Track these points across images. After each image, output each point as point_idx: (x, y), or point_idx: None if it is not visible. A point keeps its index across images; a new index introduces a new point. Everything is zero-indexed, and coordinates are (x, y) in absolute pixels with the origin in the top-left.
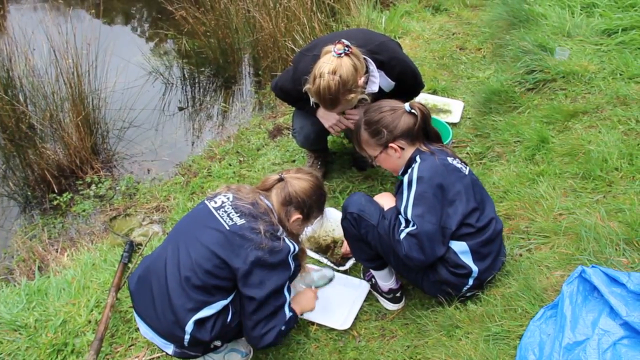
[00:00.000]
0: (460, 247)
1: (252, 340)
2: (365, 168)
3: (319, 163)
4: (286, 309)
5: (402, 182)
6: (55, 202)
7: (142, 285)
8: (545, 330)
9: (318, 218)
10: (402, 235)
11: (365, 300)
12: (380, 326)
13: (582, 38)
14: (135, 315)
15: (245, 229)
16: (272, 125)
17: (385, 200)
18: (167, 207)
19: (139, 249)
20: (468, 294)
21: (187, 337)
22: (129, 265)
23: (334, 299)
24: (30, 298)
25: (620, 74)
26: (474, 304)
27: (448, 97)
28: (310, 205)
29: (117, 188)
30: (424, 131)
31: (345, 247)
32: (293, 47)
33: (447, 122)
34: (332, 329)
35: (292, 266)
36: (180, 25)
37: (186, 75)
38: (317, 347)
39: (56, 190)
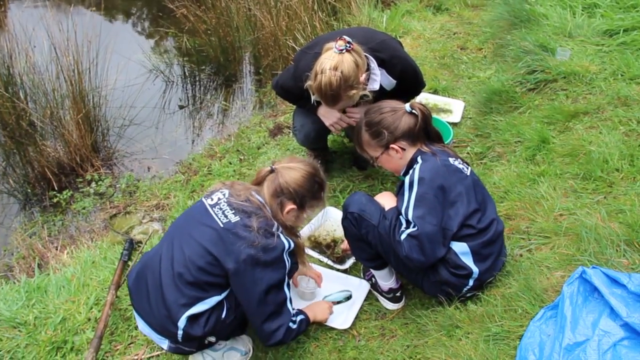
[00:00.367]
0: (461, 248)
1: (262, 339)
2: (366, 167)
3: (319, 162)
4: (289, 305)
5: (403, 182)
6: (55, 200)
7: (139, 282)
8: (545, 331)
9: (318, 207)
10: (403, 236)
11: (365, 300)
12: (380, 325)
13: (584, 38)
14: (134, 311)
15: (239, 226)
16: (272, 124)
17: (386, 200)
18: (167, 205)
19: (139, 246)
20: (468, 295)
21: (180, 332)
22: (129, 263)
23: None
24: (30, 295)
25: (622, 75)
26: (474, 304)
27: (449, 96)
28: (303, 195)
29: (117, 186)
30: (425, 131)
31: (346, 244)
32: (294, 45)
33: (447, 122)
34: (332, 328)
35: (288, 263)
36: (181, 23)
37: (187, 74)
38: (316, 346)
39: (56, 188)
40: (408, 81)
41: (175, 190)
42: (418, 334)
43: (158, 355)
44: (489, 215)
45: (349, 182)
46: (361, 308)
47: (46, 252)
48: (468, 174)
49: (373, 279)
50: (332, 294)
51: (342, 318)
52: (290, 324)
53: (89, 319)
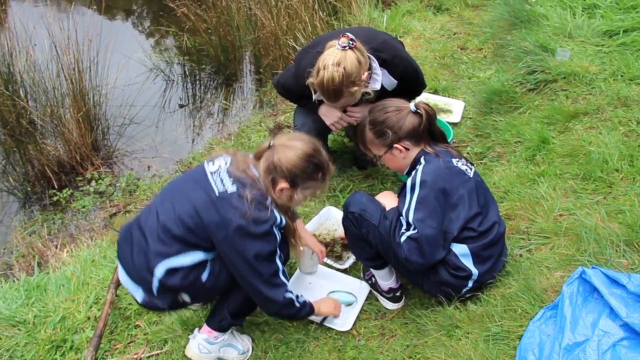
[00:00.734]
0: (461, 250)
1: (262, 308)
2: (366, 167)
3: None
4: (282, 277)
5: (405, 184)
6: (55, 198)
7: (127, 233)
8: (545, 331)
9: (316, 188)
10: (403, 238)
11: (365, 300)
12: (380, 325)
13: (584, 39)
14: (118, 261)
15: (234, 197)
16: (272, 123)
17: (387, 200)
18: None
19: None
20: (467, 295)
21: (155, 282)
22: None
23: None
24: (30, 294)
25: (621, 76)
26: (474, 304)
27: (449, 96)
28: (296, 175)
29: (117, 184)
30: (429, 132)
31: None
32: (294, 45)
33: (448, 122)
34: (332, 328)
35: (278, 236)
36: (182, 22)
37: (187, 73)
38: (316, 345)
39: (56, 186)
40: (409, 81)
41: None
42: (418, 333)
43: (158, 354)
44: (491, 218)
45: (349, 182)
46: (361, 308)
47: (46, 251)
48: (471, 175)
49: (373, 279)
50: (338, 291)
51: (342, 319)
52: (289, 295)
53: (89, 318)
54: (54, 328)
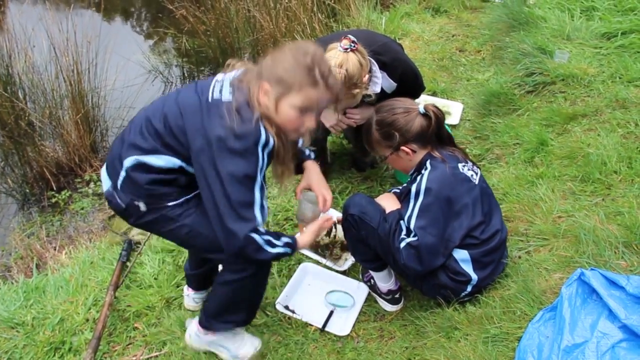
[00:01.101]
0: (461, 255)
1: (221, 242)
2: (365, 169)
3: (318, 163)
4: (257, 212)
5: (409, 190)
6: (53, 200)
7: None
8: (544, 333)
9: (310, 101)
10: (402, 244)
11: (363, 301)
12: (379, 327)
13: (582, 41)
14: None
15: (225, 105)
16: None
17: (387, 202)
18: None
19: (138, 247)
20: (466, 298)
21: (122, 173)
22: (127, 264)
23: None
24: (28, 296)
25: (620, 77)
26: (473, 305)
27: (447, 98)
28: (282, 76)
29: None
30: (437, 134)
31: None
32: None
33: (446, 124)
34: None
35: (262, 160)
36: (181, 24)
37: (186, 74)
38: (315, 347)
39: (55, 188)
40: (408, 84)
41: None
42: (417, 335)
43: (157, 356)
44: (494, 225)
45: (348, 184)
46: (360, 310)
47: (44, 253)
48: (477, 182)
49: (372, 281)
50: (336, 291)
51: (341, 323)
52: (255, 237)
53: (87, 320)
54: (53, 330)
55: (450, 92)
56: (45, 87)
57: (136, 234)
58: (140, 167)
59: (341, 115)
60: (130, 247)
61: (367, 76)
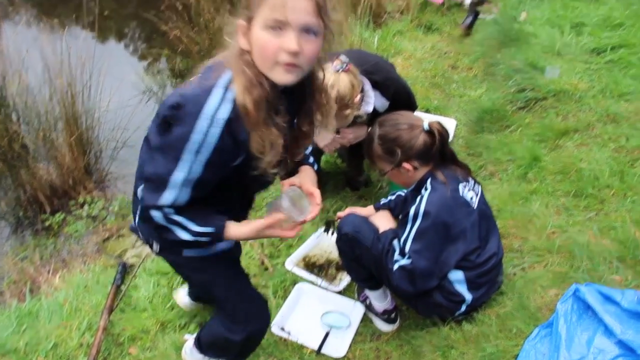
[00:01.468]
0: (456, 276)
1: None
2: (359, 188)
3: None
4: (171, 190)
5: (408, 212)
6: (47, 223)
7: None
8: (540, 350)
9: (269, 13)
10: (396, 266)
11: (359, 321)
12: (375, 347)
13: (572, 57)
14: None
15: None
16: None
17: (381, 221)
18: None
19: (132, 270)
20: (461, 318)
21: (141, 204)
22: (122, 287)
23: None
24: (21, 321)
25: (610, 92)
26: (469, 324)
27: (441, 115)
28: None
29: (110, 208)
30: (441, 152)
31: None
32: None
33: None
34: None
35: (205, 126)
36: (174, 44)
37: None
38: None
39: (48, 211)
40: (401, 103)
41: None
42: (413, 355)
43: None
44: (490, 249)
45: (342, 203)
46: (356, 330)
47: (38, 277)
48: (475, 206)
49: (367, 301)
50: (331, 312)
51: (337, 344)
52: (158, 216)
53: (82, 345)
54: (46, 356)
55: (443, 109)
56: (39, 109)
57: (130, 256)
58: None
59: (334, 134)
60: (125, 270)
61: (359, 96)
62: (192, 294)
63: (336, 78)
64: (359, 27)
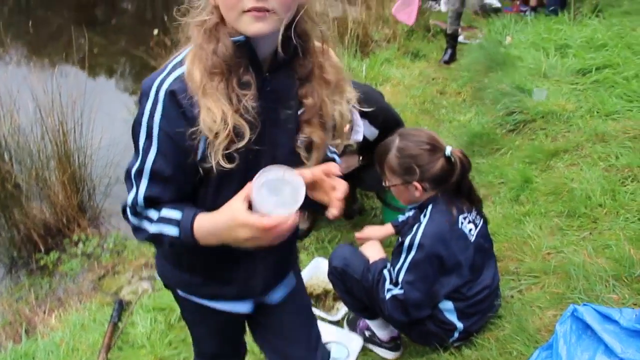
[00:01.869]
0: (446, 306)
1: None
2: (353, 216)
3: (306, 213)
4: (133, 178)
5: (403, 242)
6: (42, 262)
7: None
8: None
9: None
10: (388, 295)
11: (359, 351)
12: None
13: (558, 78)
14: None
15: None
16: None
17: (371, 252)
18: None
19: (129, 307)
20: (456, 344)
21: None
22: (119, 324)
23: None
24: None
25: (597, 112)
26: (469, 348)
27: None
28: None
29: (105, 245)
30: (458, 184)
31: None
32: None
33: None
34: None
35: (153, 108)
36: None
37: None
38: None
39: (43, 250)
40: (390, 131)
41: None
42: None
43: None
44: (483, 280)
45: (337, 232)
46: None
47: (33, 317)
48: (473, 239)
49: (366, 333)
50: (329, 342)
51: None
52: (140, 209)
53: None
54: None
55: None
56: (31, 149)
57: (127, 293)
58: None
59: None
60: (121, 307)
61: (347, 126)
62: None
63: None
64: (346, 56)
